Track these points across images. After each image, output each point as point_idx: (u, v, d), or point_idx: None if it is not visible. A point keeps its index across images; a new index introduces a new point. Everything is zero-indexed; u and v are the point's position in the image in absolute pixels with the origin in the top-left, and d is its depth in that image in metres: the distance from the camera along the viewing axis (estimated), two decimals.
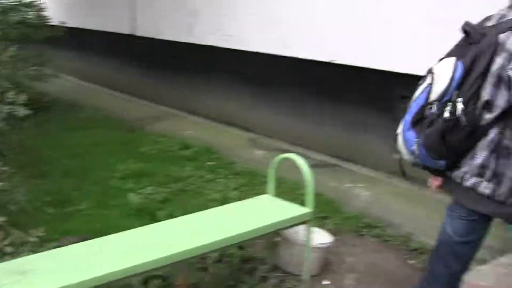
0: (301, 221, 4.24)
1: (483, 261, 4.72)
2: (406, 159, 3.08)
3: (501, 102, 2.76)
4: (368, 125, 6.97)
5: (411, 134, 2.96)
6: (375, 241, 5.24)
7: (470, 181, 2.91)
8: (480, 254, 4.83)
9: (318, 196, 5.58)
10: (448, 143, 2.83)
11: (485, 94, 2.78)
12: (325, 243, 4.59)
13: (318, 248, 4.50)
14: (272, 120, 8.28)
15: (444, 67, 2.87)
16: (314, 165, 6.63)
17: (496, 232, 5.28)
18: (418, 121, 2.93)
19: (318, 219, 5.20)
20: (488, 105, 2.78)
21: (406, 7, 6.14)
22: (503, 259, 4.71)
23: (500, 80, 2.74)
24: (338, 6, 6.89)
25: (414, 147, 2.94)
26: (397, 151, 3.13)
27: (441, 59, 2.98)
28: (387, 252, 5.04)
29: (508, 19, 2.80)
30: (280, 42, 7.63)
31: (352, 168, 6.99)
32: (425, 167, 3.07)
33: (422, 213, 5.65)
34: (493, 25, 2.85)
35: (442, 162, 2.94)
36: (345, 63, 6.87)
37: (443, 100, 2.82)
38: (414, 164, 3.08)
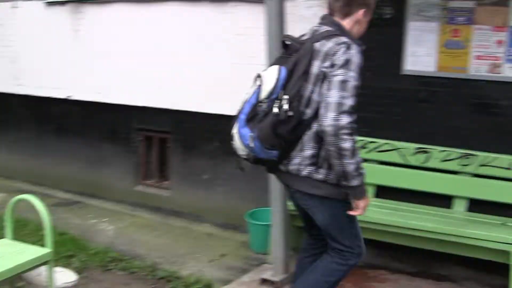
0: (42, 262, 3.99)
1: (228, 281, 4.80)
2: (242, 154, 3.35)
3: (317, 97, 3.19)
4: (109, 159, 6.89)
5: (246, 130, 3.25)
6: (122, 274, 5.10)
7: (305, 171, 3.30)
8: (225, 275, 4.94)
9: (62, 235, 5.39)
10: (279, 135, 3.18)
11: (306, 92, 3.20)
12: (69, 282, 4.40)
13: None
14: (10, 160, 7.83)
15: (270, 71, 3.26)
16: (57, 204, 6.42)
17: (238, 252, 5.43)
18: (251, 118, 3.24)
19: (64, 258, 4.99)
20: (309, 101, 3.21)
21: (135, 50, 6.35)
22: (245, 278, 4.83)
23: (317, 79, 3.19)
24: (72, 45, 6.85)
25: (249, 141, 3.22)
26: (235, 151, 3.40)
27: (265, 69, 3.36)
28: (135, 284, 4.92)
29: (321, 32, 3.32)
30: (14, 80, 7.31)
31: (96, 204, 6.83)
32: (260, 161, 3.37)
33: (167, 242, 5.69)
34: (309, 38, 3.34)
35: (274, 153, 3.26)
36: (82, 99, 6.77)
37: (271, 98, 3.18)
38: (253, 161, 3.38)
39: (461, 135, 4.88)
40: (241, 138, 3.28)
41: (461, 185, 4.88)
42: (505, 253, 4.27)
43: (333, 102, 3.06)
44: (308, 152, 3.26)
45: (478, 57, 4.76)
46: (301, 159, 3.29)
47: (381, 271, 4.92)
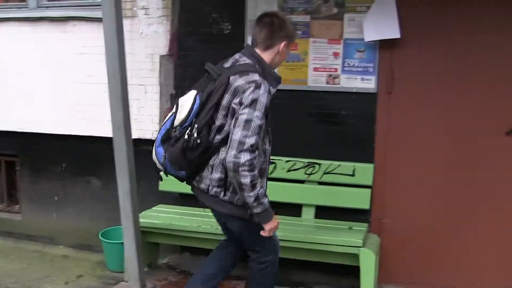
0: None
1: None
2: (160, 167, 3.62)
3: (227, 127, 3.43)
4: None
5: (161, 150, 3.55)
6: None
7: (213, 191, 3.54)
8: None
9: None
10: (187, 159, 3.46)
11: (218, 121, 3.45)
12: None
13: None
14: None
15: (186, 99, 3.49)
16: None
17: (95, 272, 5.33)
18: (165, 141, 3.52)
19: None
20: (220, 129, 3.46)
21: None
22: None
23: (227, 111, 3.42)
24: None
25: (162, 160, 3.54)
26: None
27: (188, 90, 3.56)
28: None
29: (238, 64, 3.54)
30: None
31: None
32: (173, 175, 3.66)
33: (20, 267, 5.50)
34: (228, 67, 3.55)
35: (183, 173, 3.59)
36: None
37: (184, 125, 3.45)
38: (168, 174, 3.65)
39: (305, 145, 5.01)
40: (156, 156, 3.59)
41: (308, 193, 5.00)
42: (354, 255, 4.42)
43: (236, 140, 3.28)
44: (217, 175, 3.50)
45: (316, 69, 4.92)
46: (209, 180, 3.54)
47: (236, 282, 4.96)
